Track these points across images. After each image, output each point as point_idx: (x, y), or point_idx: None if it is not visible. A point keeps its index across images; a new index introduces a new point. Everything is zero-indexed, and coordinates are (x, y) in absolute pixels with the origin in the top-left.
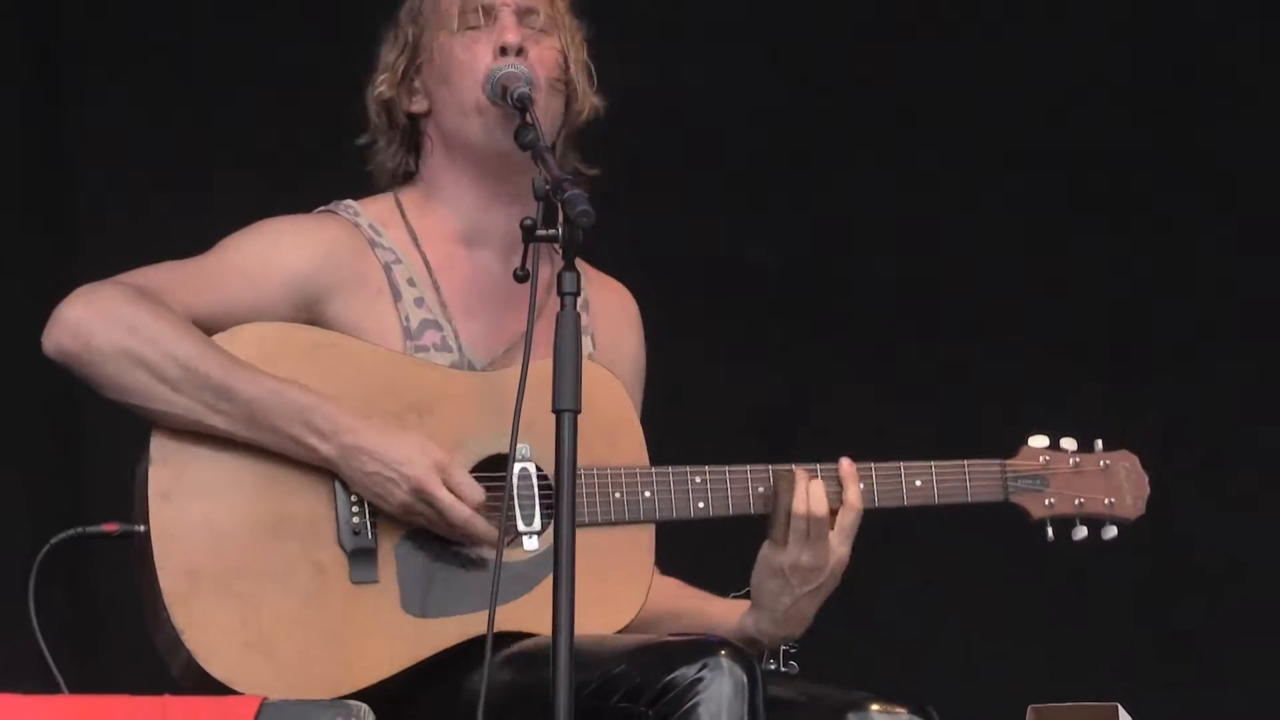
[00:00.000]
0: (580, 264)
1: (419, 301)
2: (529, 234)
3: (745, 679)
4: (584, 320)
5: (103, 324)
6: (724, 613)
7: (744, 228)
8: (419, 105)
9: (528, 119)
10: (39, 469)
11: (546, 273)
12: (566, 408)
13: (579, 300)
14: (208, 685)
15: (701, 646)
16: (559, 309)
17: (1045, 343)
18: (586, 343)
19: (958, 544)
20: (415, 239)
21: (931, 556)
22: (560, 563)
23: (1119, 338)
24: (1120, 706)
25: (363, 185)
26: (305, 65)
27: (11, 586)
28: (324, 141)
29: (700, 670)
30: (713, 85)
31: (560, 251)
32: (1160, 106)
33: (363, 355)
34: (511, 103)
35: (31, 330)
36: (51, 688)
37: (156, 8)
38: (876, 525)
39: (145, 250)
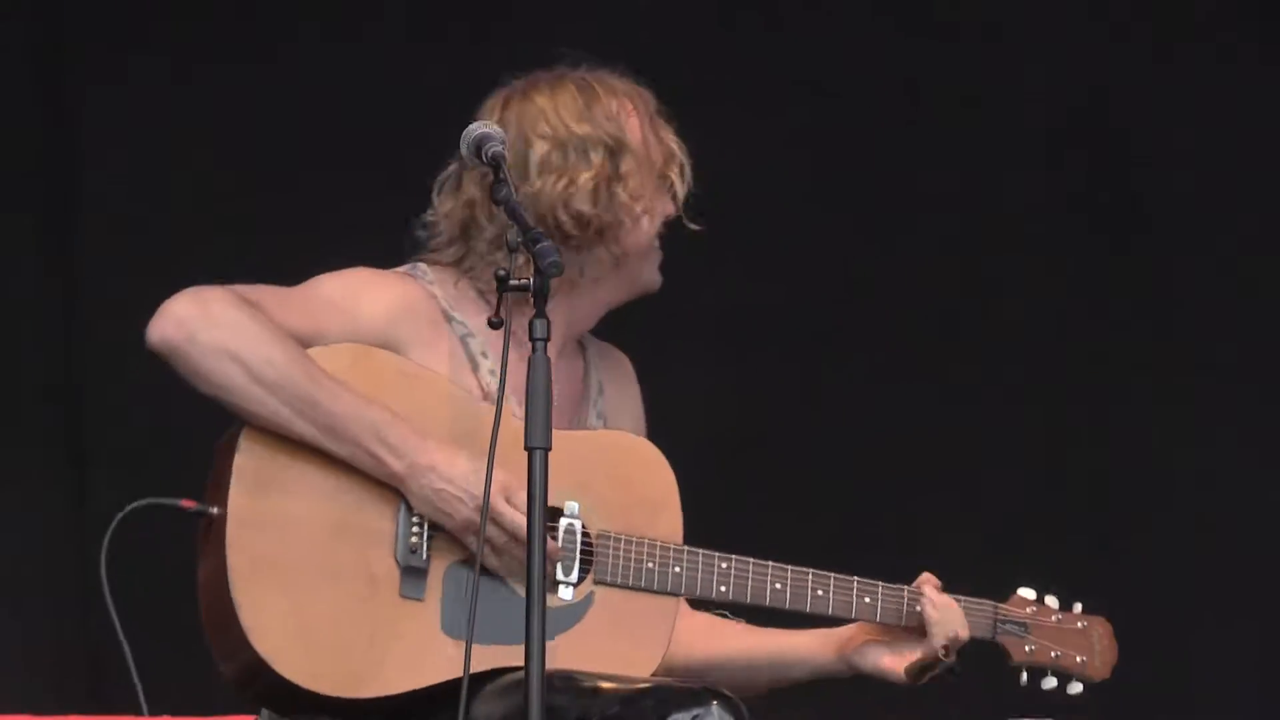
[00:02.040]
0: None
1: (492, 373)
2: (502, 284)
3: None
4: (598, 386)
5: (208, 321)
6: (772, 645)
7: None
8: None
9: (500, 175)
10: (41, 467)
11: (579, 366)
12: (538, 445)
13: (595, 382)
14: (249, 666)
15: (694, 695)
16: (531, 353)
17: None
18: (589, 406)
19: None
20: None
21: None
22: (531, 595)
23: None
24: None
25: (362, 186)
26: (306, 63)
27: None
28: (325, 140)
29: (692, 718)
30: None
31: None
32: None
33: (452, 396)
34: (485, 160)
35: (30, 327)
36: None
37: (157, 7)
38: None
39: (145, 250)
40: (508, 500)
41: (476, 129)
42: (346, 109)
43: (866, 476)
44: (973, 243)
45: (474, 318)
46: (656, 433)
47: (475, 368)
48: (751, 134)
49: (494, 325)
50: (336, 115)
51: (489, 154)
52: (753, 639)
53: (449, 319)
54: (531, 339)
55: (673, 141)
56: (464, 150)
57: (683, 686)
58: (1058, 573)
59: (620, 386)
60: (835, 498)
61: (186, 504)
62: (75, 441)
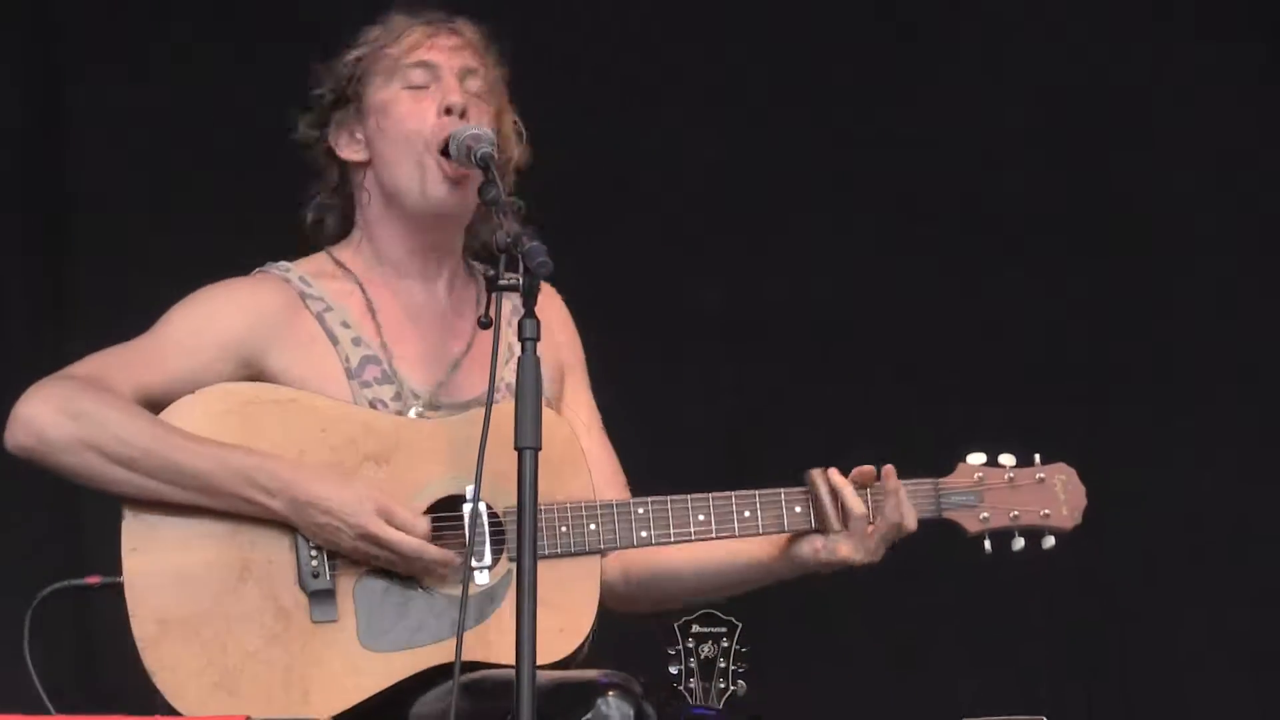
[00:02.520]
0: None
1: (356, 341)
2: (491, 284)
3: (632, 714)
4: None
5: (53, 416)
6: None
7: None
8: (355, 154)
9: (489, 177)
10: (36, 519)
11: (472, 292)
12: (528, 445)
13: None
14: None
15: (591, 688)
16: (520, 352)
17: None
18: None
19: (891, 560)
20: (358, 281)
21: (866, 572)
22: (523, 595)
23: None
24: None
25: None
26: (305, 63)
27: (9, 633)
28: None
29: (588, 712)
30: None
31: (521, 298)
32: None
33: (322, 410)
34: (475, 162)
35: (29, 350)
36: None
37: (157, 7)
38: None
39: (145, 251)
40: (389, 520)
41: (465, 131)
42: None
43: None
44: (973, 243)
45: (331, 289)
46: (659, 431)
47: (335, 342)
48: (751, 133)
49: (484, 325)
50: None
51: (478, 155)
52: (702, 548)
53: (305, 298)
54: (521, 339)
55: None
56: (453, 151)
57: (579, 679)
58: (1058, 571)
59: (547, 329)
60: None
61: (92, 580)
62: (71, 498)
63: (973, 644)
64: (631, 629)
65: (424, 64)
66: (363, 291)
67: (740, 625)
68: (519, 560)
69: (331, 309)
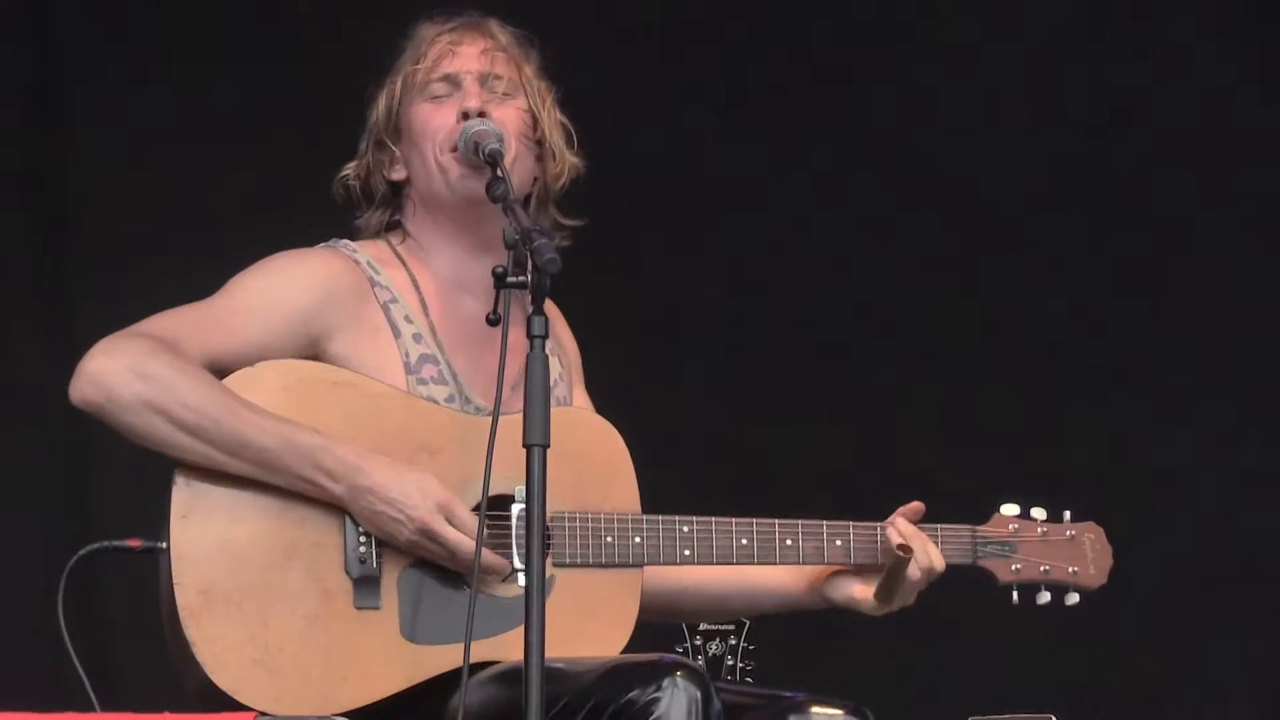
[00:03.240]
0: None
1: (417, 337)
2: (500, 281)
3: (699, 696)
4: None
5: (122, 375)
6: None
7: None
8: (398, 174)
9: (498, 173)
10: (49, 493)
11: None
12: (536, 443)
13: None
14: (217, 698)
15: (659, 667)
16: (528, 350)
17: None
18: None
19: None
20: (414, 280)
21: None
22: (530, 591)
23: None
24: (1054, 718)
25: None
26: (305, 59)
27: (27, 605)
28: (323, 138)
29: (656, 691)
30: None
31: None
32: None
33: (379, 396)
34: (483, 158)
35: (32, 342)
36: (79, 695)
37: (157, 7)
38: None
39: (144, 252)
40: (449, 520)
41: (473, 126)
42: (347, 106)
43: (863, 476)
44: (973, 243)
45: (397, 279)
46: (657, 430)
47: (397, 335)
48: (751, 133)
49: (492, 322)
50: (336, 112)
51: (486, 151)
52: (729, 572)
53: (374, 284)
54: (530, 336)
55: None
56: (461, 147)
57: (644, 660)
58: (1094, 602)
59: (557, 337)
60: (834, 498)
61: (132, 543)
62: (82, 471)
63: (982, 643)
64: (639, 628)
65: (445, 77)
66: (419, 295)
67: (748, 623)
68: (527, 560)
69: (397, 301)
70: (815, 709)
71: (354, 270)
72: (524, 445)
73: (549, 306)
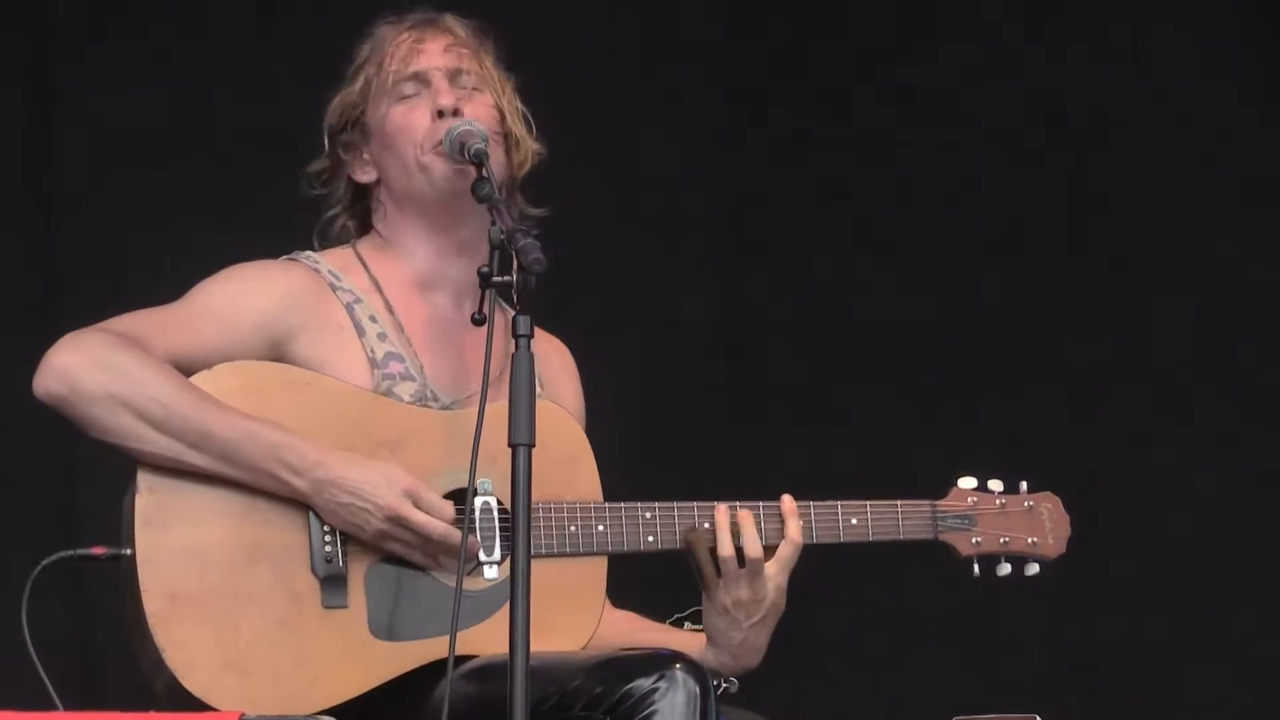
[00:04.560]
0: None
1: (382, 336)
2: (486, 280)
3: (698, 690)
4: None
5: (88, 369)
6: (683, 645)
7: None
8: (367, 176)
9: (483, 173)
10: (34, 494)
11: (499, 319)
12: (522, 442)
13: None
14: (188, 701)
15: (658, 659)
16: (513, 350)
17: (968, 382)
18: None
19: (884, 556)
20: (376, 283)
21: (859, 568)
22: (516, 589)
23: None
24: (1038, 718)
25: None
26: (305, 67)
27: (7, 608)
28: (323, 138)
29: (656, 681)
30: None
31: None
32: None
33: (337, 393)
34: (469, 158)
35: (26, 339)
36: (46, 704)
37: (157, 8)
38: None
39: (145, 251)
40: (416, 504)
41: (459, 127)
42: None
43: (861, 474)
44: (971, 243)
45: (360, 284)
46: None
47: (361, 333)
48: (743, 132)
49: (477, 322)
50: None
51: (472, 151)
52: (664, 635)
53: (335, 289)
54: (515, 335)
55: None
56: (446, 147)
57: (643, 653)
58: (1055, 571)
59: (558, 378)
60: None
61: (97, 551)
62: (69, 472)
63: (968, 642)
64: None
65: (414, 76)
66: (383, 297)
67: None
68: (513, 557)
69: (361, 302)
70: None
71: (314, 277)
72: (509, 445)
73: (558, 352)
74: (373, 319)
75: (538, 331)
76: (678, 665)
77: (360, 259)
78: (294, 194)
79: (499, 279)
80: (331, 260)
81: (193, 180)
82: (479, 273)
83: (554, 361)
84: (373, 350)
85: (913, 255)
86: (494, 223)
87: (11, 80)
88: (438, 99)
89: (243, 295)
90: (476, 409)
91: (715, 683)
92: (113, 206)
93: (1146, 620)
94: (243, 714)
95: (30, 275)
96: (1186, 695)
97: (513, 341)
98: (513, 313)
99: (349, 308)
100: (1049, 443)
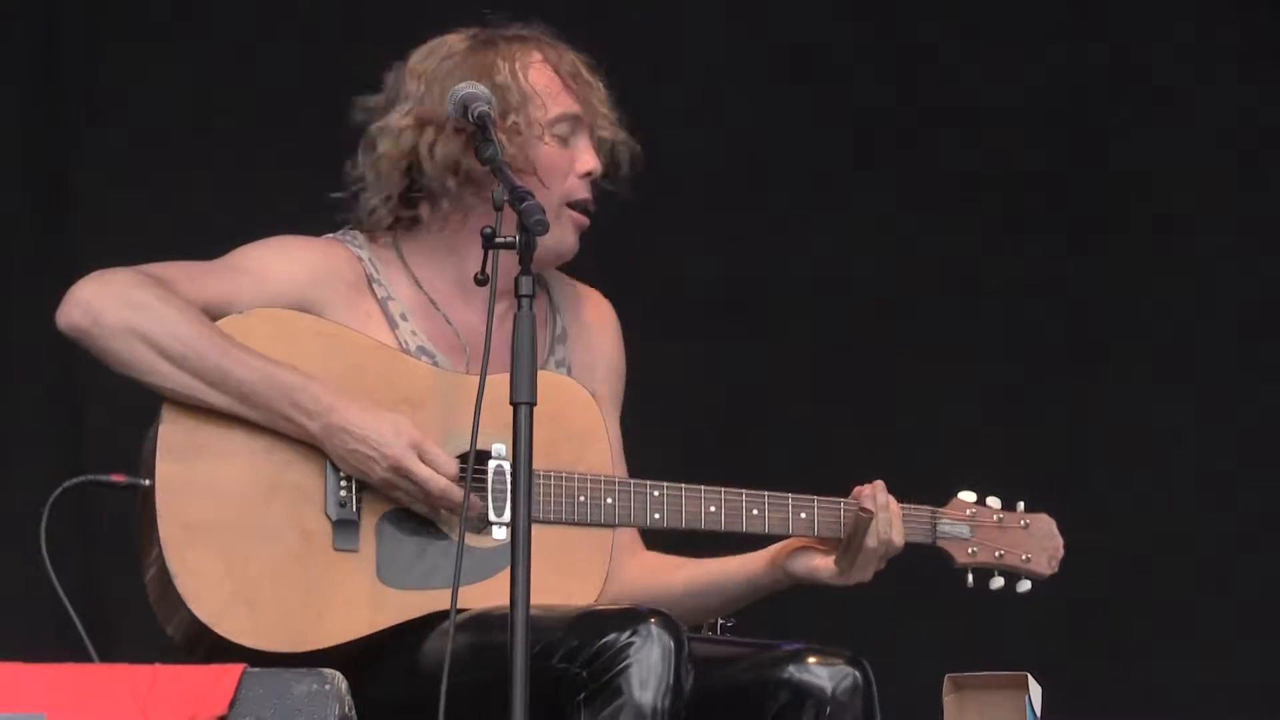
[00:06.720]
0: (560, 277)
1: (414, 334)
2: (488, 241)
3: (672, 644)
4: (560, 332)
5: (112, 302)
6: (722, 569)
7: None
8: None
9: (486, 136)
10: (43, 433)
11: (543, 300)
12: (523, 400)
13: (559, 329)
14: (196, 629)
15: (633, 615)
16: (516, 310)
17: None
18: (546, 353)
19: None
20: (418, 282)
21: None
22: (517, 543)
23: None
24: (1030, 675)
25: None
26: (306, 68)
27: (20, 544)
28: (321, 142)
29: (630, 636)
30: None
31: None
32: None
33: (365, 348)
34: (472, 120)
35: (34, 311)
36: (71, 634)
37: (157, 8)
38: None
39: (144, 253)
40: (421, 457)
41: (463, 89)
42: (346, 114)
43: (858, 466)
44: (970, 239)
45: (396, 281)
46: (651, 404)
47: (394, 327)
48: (744, 119)
49: (480, 282)
50: (335, 117)
51: (475, 113)
52: (691, 568)
53: (372, 281)
54: (517, 295)
55: None
56: (451, 109)
57: (619, 608)
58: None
59: (593, 334)
60: (828, 486)
61: (117, 478)
62: (76, 414)
63: (957, 602)
64: None
65: (572, 117)
66: (422, 292)
67: None
68: (513, 519)
69: (393, 299)
70: (813, 659)
71: (354, 263)
72: (510, 403)
73: (595, 306)
74: (403, 317)
75: (575, 287)
76: (653, 620)
77: (401, 255)
78: (296, 194)
79: (501, 239)
80: (374, 250)
81: (193, 180)
82: (481, 233)
83: (589, 316)
84: (405, 342)
85: (913, 256)
86: (497, 184)
87: (12, 80)
88: (585, 162)
89: (279, 259)
90: (502, 376)
91: (714, 621)
92: (112, 206)
93: (1147, 579)
94: (245, 667)
95: (30, 275)
96: (1189, 653)
97: (559, 317)
98: (555, 295)
99: (382, 302)
100: (1063, 438)
